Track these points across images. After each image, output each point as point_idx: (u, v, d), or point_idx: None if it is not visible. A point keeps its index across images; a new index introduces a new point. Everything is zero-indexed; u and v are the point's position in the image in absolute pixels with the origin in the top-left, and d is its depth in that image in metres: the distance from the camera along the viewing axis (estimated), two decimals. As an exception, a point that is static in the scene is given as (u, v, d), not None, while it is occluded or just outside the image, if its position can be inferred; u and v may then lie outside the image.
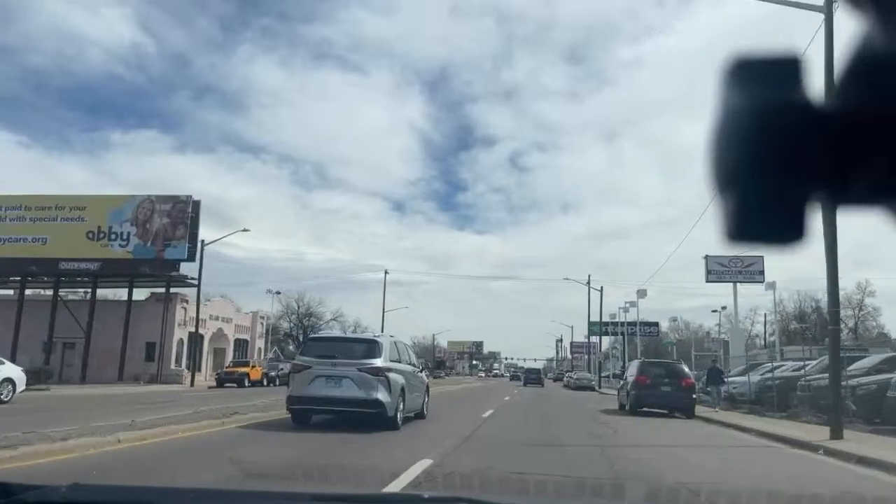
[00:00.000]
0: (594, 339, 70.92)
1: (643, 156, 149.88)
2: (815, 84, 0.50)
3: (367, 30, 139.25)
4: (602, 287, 57.41)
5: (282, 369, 38.98)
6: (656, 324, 67.01)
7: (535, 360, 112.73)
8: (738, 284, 39.59)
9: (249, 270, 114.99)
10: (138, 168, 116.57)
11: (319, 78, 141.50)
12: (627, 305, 54.01)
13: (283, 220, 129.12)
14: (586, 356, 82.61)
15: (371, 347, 12.29)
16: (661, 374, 19.99)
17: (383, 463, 7.64)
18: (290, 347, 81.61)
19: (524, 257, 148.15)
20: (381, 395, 11.63)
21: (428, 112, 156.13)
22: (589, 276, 58.23)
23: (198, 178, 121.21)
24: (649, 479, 7.45)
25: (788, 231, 0.50)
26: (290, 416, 12.33)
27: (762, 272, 39.69)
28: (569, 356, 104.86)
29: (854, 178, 0.49)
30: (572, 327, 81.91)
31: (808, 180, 0.49)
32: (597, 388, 50.05)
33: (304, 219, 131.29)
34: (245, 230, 41.70)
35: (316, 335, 16.27)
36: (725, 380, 24.12)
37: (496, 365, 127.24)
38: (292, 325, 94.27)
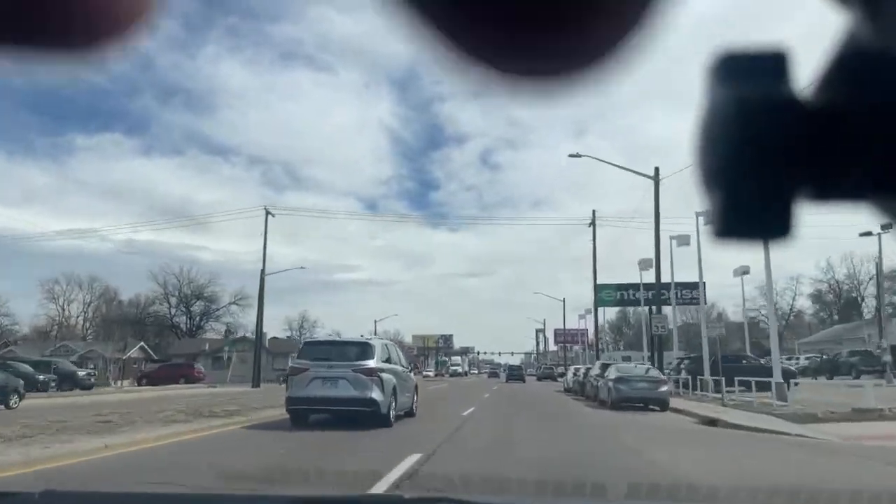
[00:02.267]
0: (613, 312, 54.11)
1: (612, 150, 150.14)
2: (802, 78, 0.49)
3: (334, 28, 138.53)
4: (657, 170, 29.12)
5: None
6: (695, 285, 32.01)
7: (511, 353, 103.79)
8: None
9: (218, 274, 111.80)
10: (104, 172, 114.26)
11: (287, 77, 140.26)
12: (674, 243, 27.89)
13: (253, 221, 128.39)
14: (578, 346, 67.74)
15: (364, 349, 12.97)
16: None
17: (372, 462, 7.98)
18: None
19: (498, 253, 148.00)
20: (375, 395, 12.30)
21: (398, 111, 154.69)
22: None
23: (165, 181, 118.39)
24: None
25: (776, 228, 0.49)
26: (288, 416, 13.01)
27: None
28: (552, 347, 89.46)
29: (841, 173, 0.48)
30: (564, 300, 63.49)
31: (796, 176, 0.48)
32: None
33: (274, 220, 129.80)
34: None
35: (312, 339, 16.99)
36: None
37: (456, 360, 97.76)
38: (174, 309, 71.72)
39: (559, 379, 47.93)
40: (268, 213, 43.43)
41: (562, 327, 73.36)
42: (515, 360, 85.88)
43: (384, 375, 12.65)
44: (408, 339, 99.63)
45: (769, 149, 0.47)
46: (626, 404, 19.02)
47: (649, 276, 31.80)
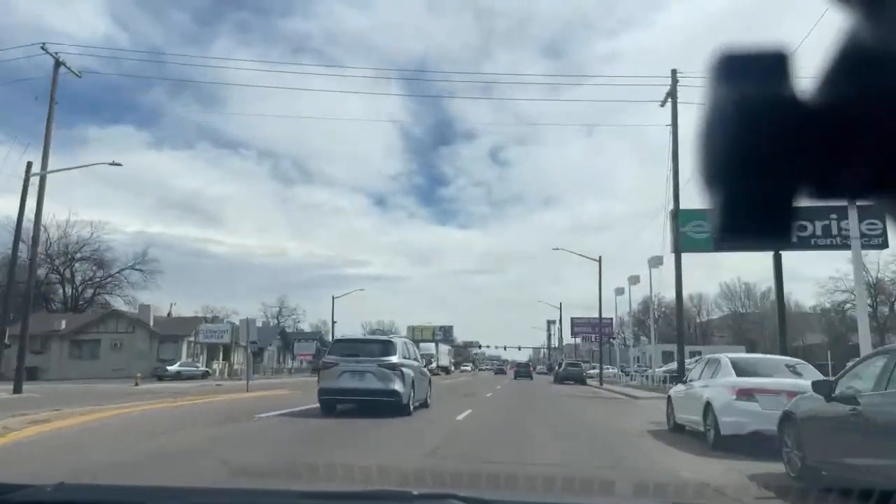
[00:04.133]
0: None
1: (622, 148, 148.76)
2: (803, 78, 0.49)
3: (344, 24, 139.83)
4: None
5: None
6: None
7: (518, 348, 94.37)
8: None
9: (230, 268, 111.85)
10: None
11: (297, 72, 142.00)
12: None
13: (263, 216, 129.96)
14: (594, 339, 53.90)
15: (387, 346, 14.74)
16: None
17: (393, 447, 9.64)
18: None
19: (507, 251, 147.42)
20: (397, 386, 14.00)
21: (407, 106, 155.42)
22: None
23: (176, 174, 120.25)
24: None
25: (777, 230, 0.49)
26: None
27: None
28: (570, 340, 73.12)
29: (843, 173, 0.48)
30: (600, 259, 44.09)
31: (798, 177, 0.48)
32: None
33: (284, 214, 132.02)
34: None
35: (341, 337, 19.06)
36: None
37: (428, 347, 67.74)
38: (50, 274, 53.66)
39: (590, 383, 35.52)
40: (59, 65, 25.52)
41: (580, 317, 59.14)
42: (522, 356, 77.82)
43: (405, 370, 14.36)
44: (403, 332, 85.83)
45: (771, 149, 0.48)
46: None
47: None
